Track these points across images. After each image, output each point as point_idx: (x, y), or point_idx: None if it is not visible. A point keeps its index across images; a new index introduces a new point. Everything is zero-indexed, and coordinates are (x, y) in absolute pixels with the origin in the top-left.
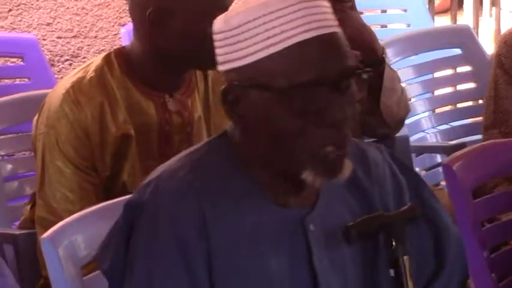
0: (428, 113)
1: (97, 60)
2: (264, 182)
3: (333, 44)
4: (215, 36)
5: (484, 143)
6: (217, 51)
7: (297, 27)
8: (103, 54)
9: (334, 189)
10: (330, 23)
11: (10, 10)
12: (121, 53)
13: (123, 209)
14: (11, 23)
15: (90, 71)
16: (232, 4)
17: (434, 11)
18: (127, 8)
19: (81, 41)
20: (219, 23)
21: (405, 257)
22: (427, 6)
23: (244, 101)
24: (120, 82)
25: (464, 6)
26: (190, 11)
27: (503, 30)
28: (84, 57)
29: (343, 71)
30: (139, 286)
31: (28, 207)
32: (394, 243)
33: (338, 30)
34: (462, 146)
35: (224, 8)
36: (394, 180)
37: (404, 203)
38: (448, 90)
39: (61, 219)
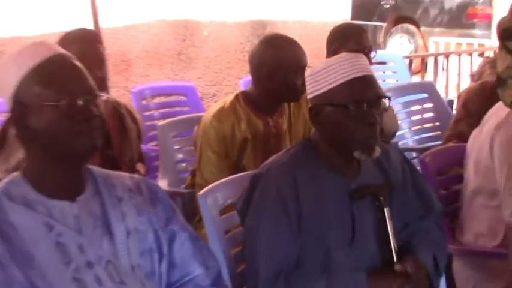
0: (408, 130)
1: (230, 97)
2: (330, 162)
3: (370, 81)
4: (306, 79)
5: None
6: (307, 86)
7: (350, 71)
8: (233, 94)
9: (369, 168)
10: (367, 69)
11: (179, 70)
12: (244, 94)
13: (250, 179)
14: (181, 77)
15: (227, 103)
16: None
17: (412, 72)
18: (243, 69)
19: (218, 87)
20: (308, 71)
21: (386, 208)
22: (408, 68)
23: (322, 114)
24: (244, 109)
25: (427, 69)
26: (284, 69)
27: (451, 86)
28: (219, 96)
29: (376, 96)
30: (253, 229)
31: (189, 177)
32: (382, 200)
33: (371, 73)
34: (428, 148)
35: (304, 66)
36: (402, 166)
37: (406, 178)
38: (418, 117)
39: (209, 183)
